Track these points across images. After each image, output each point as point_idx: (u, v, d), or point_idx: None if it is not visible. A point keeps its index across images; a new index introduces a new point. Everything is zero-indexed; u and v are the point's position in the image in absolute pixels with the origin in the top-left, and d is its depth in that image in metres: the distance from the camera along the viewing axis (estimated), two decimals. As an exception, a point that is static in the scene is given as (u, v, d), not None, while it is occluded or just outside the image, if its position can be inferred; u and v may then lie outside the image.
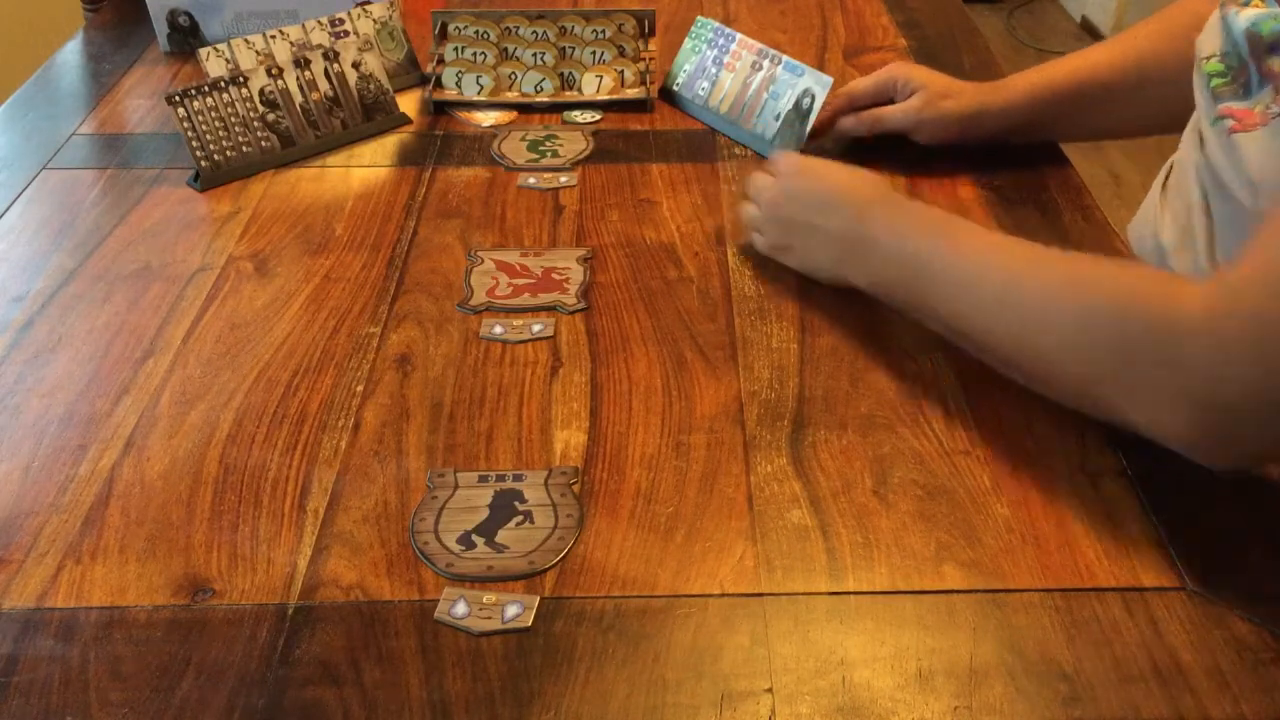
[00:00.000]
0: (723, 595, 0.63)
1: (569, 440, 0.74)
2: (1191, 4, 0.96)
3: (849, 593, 0.63)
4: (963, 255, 0.75)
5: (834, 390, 0.78)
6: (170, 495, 0.70)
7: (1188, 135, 0.91)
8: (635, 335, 0.83)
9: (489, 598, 0.63)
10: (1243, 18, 0.79)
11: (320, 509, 0.69)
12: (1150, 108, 0.94)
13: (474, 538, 0.67)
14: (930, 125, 0.95)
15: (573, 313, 0.85)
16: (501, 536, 0.67)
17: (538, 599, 0.62)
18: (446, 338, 0.83)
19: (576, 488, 0.70)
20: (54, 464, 0.72)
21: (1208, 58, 0.83)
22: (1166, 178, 0.94)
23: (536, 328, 0.84)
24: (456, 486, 0.70)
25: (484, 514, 0.68)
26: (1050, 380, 0.72)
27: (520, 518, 0.68)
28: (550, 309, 0.86)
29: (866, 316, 0.84)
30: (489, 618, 0.61)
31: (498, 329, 0.84)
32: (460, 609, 0.62)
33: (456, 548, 0.66)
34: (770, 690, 0.58)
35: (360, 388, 0.78)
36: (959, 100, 0.96)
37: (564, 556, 0.65)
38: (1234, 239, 0.81)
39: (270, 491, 0.70)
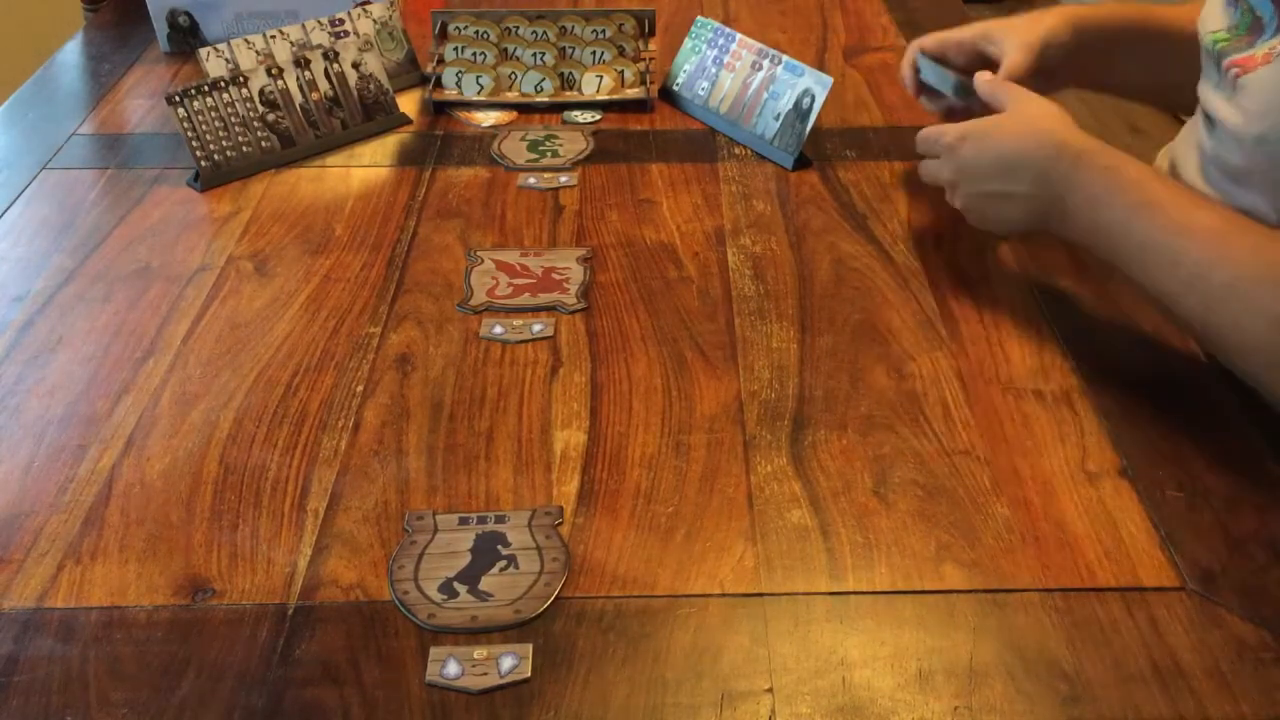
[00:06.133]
0: (723, 595, 0.63)
1: (569, 440, 0.74)
2: None
3: (849, 593, 0.63)
4: (1158, 231, 0.74)
5: (834, 390, 0.78)
6: (170, 495, 0.70)
7: (1187, 128, 0.91)
8: (635, 335, 0.83)
9: (479, 652, 0.59)
10: None
11: (320, 509, 0.69)
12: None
13: (456, 585, 0.63)
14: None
15: (573, 313, 0.85)
16: (485, 584, 0.63)
17: (530, 646, 0.60)
18: (446, 338, 0.83)
19: (562, 529, 0.67)
20: (54, 464, 0.72)
21: (1213, 32, 0.84)
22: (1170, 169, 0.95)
23: (536, 328, 0.84)
24: (436, 530, 0.67)
25: (466, 559, 0.65)
26: (1235, 362, 0.75)
27: (504, 562, 0.64)
28: (550, 309, 0.86)
29: (866, 316, 0.84)
30: (484, 674, 0.58)
31: (498, 329, 0.84)
32: (452, 669, 0.58)
33: (438, 596, 0.62)
34: (770, 690, 0.58)
35: (360, 388, 0.78)
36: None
37: (551, 604, 0.62)
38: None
39: (270, 491, 0.70)
